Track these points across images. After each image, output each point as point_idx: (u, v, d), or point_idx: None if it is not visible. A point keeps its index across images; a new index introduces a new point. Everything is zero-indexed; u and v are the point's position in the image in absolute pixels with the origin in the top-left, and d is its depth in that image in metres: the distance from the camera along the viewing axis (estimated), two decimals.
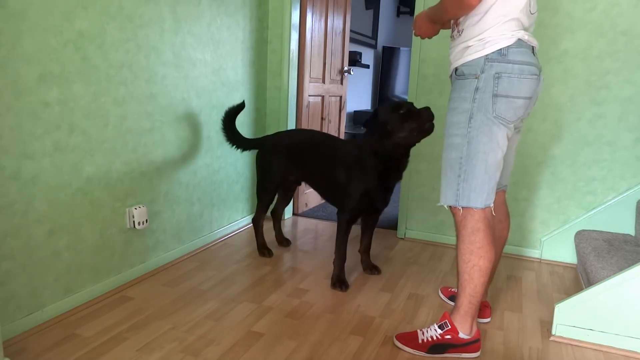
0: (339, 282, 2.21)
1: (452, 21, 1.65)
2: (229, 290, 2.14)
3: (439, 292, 2.21)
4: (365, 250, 2.44)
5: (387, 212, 3.36)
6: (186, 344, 1.70)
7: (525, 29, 1.53)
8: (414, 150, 2.89)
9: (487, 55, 1.50)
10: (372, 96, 5.88)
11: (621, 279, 1.72)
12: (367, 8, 5.21)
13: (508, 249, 2.77)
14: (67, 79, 1.77)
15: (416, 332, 1.75)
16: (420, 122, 1.98)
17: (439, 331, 1.69)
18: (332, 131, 3.78)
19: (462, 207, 1.60)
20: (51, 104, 1.73)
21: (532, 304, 2.14)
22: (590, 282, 2.04)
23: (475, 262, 1.60)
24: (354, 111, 5.10)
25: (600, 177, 2.55)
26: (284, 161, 2.45)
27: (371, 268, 2.43)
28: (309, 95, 3.34)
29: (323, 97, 3.55)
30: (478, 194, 1.57)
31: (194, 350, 1.66)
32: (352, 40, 4.60)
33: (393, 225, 3.18)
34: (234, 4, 2.71)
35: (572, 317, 1.81)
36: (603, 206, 2.55)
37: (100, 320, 1.83)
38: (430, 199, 2.91)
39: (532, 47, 1.55)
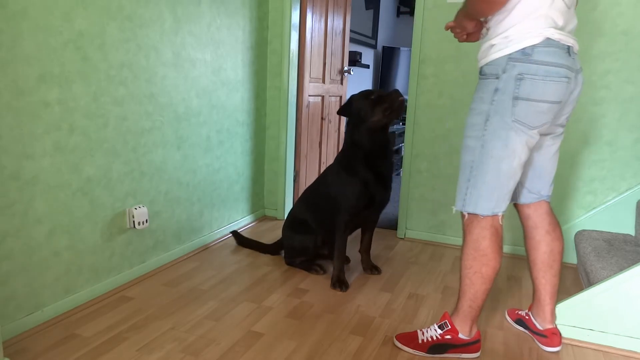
0: (339, 282, 2.21)
1: (482, 19, 1.57)
2: (229, 290, 2.14)
3: (506, 314, 2.02)
4: (365, 250, 2.43)
5: (387, 212, 3.36)
6: (186, 344, 1.70)
7: (560, 27, 1.41)
8: (413, 150, 2.90)
9: (509, 54, 1.41)
10: None
11: (621, 279, 1.72)
12: (367, 8, 5.21)
13: (508, 249, 2.77)
14: (67, 79, 1.78)
15: (416, 332, 1.74)
16: (390, 102, 2.09)
17: (439, 331, 1.68)
18: (332, 131, 3.78)
19: (468, 213, 1.55)
20: (51, 104, 1.73)
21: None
22: (590, 282, 2.04)
23: (477, 268, 1.57)
24: None
25: (600, 177, 2.55)
26: (304, 226, 2.38)
27: (371, 268, 2.43)
28: (309, 95, 3.34)
29: (323, 97, 3.55)
30: (486, 201, 1.51)
31: (194, 350, 1.66)
32: (352, 40, 4.60)
33: (393, 225, 3.18)
34: (234, 4, 2.71)
35: (572, 317, 1.81)
36: (603, 206, 2.55)
37: (100, 320, 1.83)
38: (430, 199, 2.91)
39: (568, 46, 1.42)
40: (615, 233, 2.50)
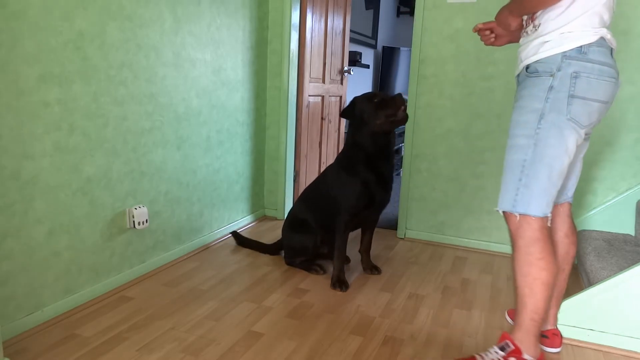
0: (339, 282, 2.21)
1: (526, 17, 1.52)
2: (229, 290, 2.14)
3: (506, 315, 2.01)
4: (365, 250, 2.43)
5: (387, 212, 3.36)
6: (186, 344, 1.70)
7: (607, 26, 1.41)
8: (414, 150, 2.90)
9: (565, 52, 1.38)
10: None
11: (621, 279, 1.72)
12: (367, 8, 5.21)
13: (508, 248, 2.76)
14: (67, 79, 1.77)
15: (474, 357, 1.60)
16: (394, 108, 2.10)
17: (501, 353, 1.54)
18: (332, 131, 3.78)
19: (519, 214, 1.47)
20: (51, 104, 1.73)
21: None
22: (590, 282, 2.04)
23: (535, 274, 1.46)
24: None
25: (600, 177, 2.55)
26: (304, 226, 2.38)
27: (371, 268, 2.43)
28: (309, 95, 3.34)
29: (323, 97, 3.55)
30: (538, 201, 1.44)
31: (194, 350, 1.66)
32: (352, 40, 4.60)
33: (393, 225, 3.18)
34: (234, 4, 2.71)
35: (572, 317, 1.81)
36: (603, 206, 2.55)
37: (100, 320, 1.83)
38: (430, 199, 2.91)
39: (611, 48, 1.43)
40: (615, 233, 2.50)
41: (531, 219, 1.46)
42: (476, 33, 1.71)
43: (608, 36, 1.40)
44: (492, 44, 1.68)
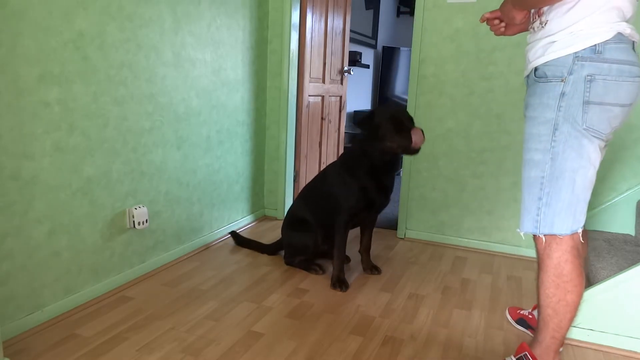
0: (339, 282, 2.21)
1: (532, 10, 1.40)
2: (229, 290, 2.14)
3: (507, 313, 2.00)
4: (365, 250, 2.44)
5: (387, 212, 3.36)
6: (186, 344, 1.70)
7: (627, 20, 1.27)
8: None
9: (576, 52, 1.25)
10: (372, 96, 5.88)
11: (621, 279, 1.72)
12: (367, 8, 5.21)
13: (508, 248, 2.77)
14: (67, 79, 1.77)
15: None
16: (409, 140, 2.01)
17: None
18: (332, 131, 3.78)
19: (545, 235, 1.39)
20: (51, 104, 1.73)
21: (532, 304, 2.14)
22: (590, 282, 2.04)
23: (561, 296, 1.39)
24: (354, 111, 5.10)
25: (600, 177, 2.54)
26: (303, 225, 2.38)
27: (371, 268, 2.43)
28: (309, 95, 3.34)
29: (323, 97, 3.55)
30: (563, 219, 1.35)
31: (194, 350, 1.66)
32: (352, 40, 4.60)
33: (393, 225, 3.18)
34: (234, 4, 2.71)
35: None
36: (603, 206, 2.55)
37: (100, 320, 1.83)
38: (430, 199, 2.91)
39: (633, 42, 1.27)
40: (615, 233, 2.50)
41: (559, 239, 1.37)
42: (484, 23, 1.60)
43: (628, 30, 1.24)
44: (502, 34, 1.58)
